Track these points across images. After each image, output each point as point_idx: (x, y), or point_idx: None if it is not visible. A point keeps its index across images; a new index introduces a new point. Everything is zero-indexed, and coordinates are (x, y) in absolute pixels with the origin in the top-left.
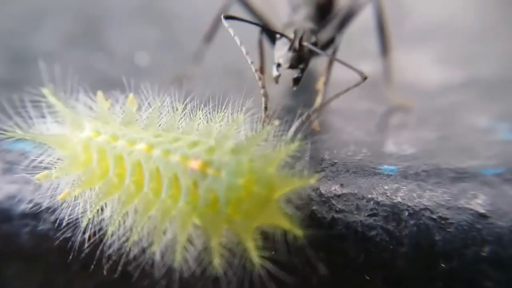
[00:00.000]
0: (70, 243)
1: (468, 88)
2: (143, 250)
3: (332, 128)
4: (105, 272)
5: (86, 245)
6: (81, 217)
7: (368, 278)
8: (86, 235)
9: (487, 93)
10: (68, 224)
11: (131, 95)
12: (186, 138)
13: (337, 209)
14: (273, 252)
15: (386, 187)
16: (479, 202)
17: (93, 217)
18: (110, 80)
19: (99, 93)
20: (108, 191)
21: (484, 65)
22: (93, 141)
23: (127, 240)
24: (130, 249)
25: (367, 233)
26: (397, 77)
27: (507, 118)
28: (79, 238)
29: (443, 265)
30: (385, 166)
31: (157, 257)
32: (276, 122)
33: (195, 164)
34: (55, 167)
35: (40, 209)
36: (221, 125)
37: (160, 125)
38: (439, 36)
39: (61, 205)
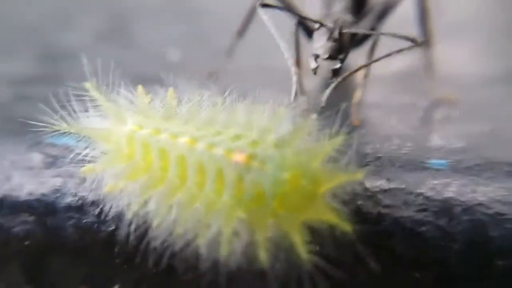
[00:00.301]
0: (114, 236)
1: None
2: (188, 244)
3: (372, 122)
4: (149, 265)
5: (131, 238)
6: (127, 210)
7: (418, 276)
8: (131, 228)
9: None
10: (113, 217)
11: (170, 90)
12: (228, 131)
13: (384, 204)
14: (320, 247)
15: (435, 182)
16: None
17: (138, 210)
18: (143, 77)
19: (140, 88)
20: (152, 184)
21: None
22: (137, 134)
23: (171, 233)
24: (174, 242)
25: (417, 229)
26: (438, 70)
27: None
28: (123, 231)
29: (499, 262)
30: (434, 160)
31: (203, 250)
32: (315, 116)
33: (239, 157)
34: (99, 160)
35: (85, 202)
36: (262, 119)
37: (201, 118)
38: (475, 30)
39: (106, 198)
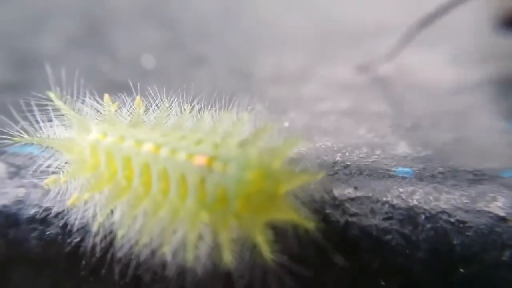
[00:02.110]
0: (79, 248)
1: (481, 89)
2: (154, 252)
3: (343, 130)
4: (116, 277)
5: (97, 249)
6: (92, 221)
7: (383, 283)
8: (97, 240)
9: (501, 94)
10: (77, 229)
11: (138, 97)
12: (192, 136)
13: (351, 212)
14: (284, 246)
15: (401, 190)
16: (498, 205)
17: (103, 221)
18: (116, 83)
19: (106, 96)
20: (118, 194)
21: (495, 65)
22: (100, 143)
23: (137, 242)
24: (140, 251)
25: (383, 237)
26: (410, 78)
27: None
28: (88, 243)
29: (461, 270)
30: (400, 168)
31: (169, 257)
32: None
33: (201, 160)
34: (63, 171)
35: (49, 214)
36: (226, 124)
37: (167, 125)
38: (449, 37)
39: (70, 210)
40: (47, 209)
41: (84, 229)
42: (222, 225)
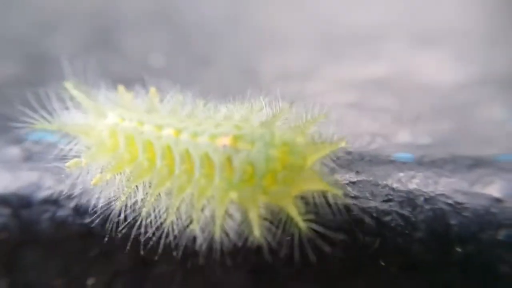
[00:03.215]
0: (90, 229)
1: (483, 84)
2: (183, 230)
3: (347, 121)
4: (126, 258)
5: (109, 230)
6: (115, 201)
7: (383, 263)
8: (110, 221)
9: (501, 88)
10: (89, 210)
11: (152, 88)
12: (209, 121)
13: (352, 195)
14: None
15: (401, 174)
16: (495, 188)
17: (126, 200)
18: (128, 82)
19: (120, 87)
20: (139, 174)
21: (496, 62)
22: (119, 126)
23: (163, 221)
24: (166, 229)
25: (382, 218)
26: (415, 75)
27: None
28: (99, 224)
29: (458, 249)
30: (401, 154)
31: (198, 234)
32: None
33: (225, 140)
34: (83, 154)
35: (61, 196)
36: (240, 112)
37: (182, 114)
38: (452, 37)
39: (92, 190)
40: (59, 192)
41: (96, 211)
42: (251, 202)
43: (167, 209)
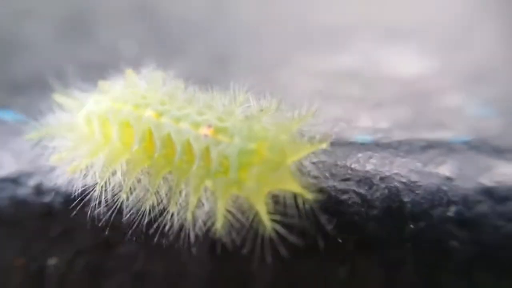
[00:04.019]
0: (51, 208)
1: (445, 75)
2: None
3: (312, 107)
4: (87, 238)
5: (69, 209)
6: (94, 186)
7: (340, 241)
8: (70, 200)
9: (463, 80)
10: (50, 189)
11: (129, 70)
12: (192, 107)
13: (312, 175)
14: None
15: (360, 155)
16: (446, 167)
17: (104, 184)
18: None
19: (100, 82)
20: (115, 158)
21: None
22: (94, 110)
23: (143, 202)
24: (146, 210)
25: (340, 197)
26: (381, 67)
27: (478, 97)
28: (60, 203)
29: (411, 226)
30: (359, 136)
31: (174, 216)
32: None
33: (207, 130)
34: (64, 148)
35: (21, 174)
36: (223, 101)
37: (162, 94)
38: (418, 32)
39: (72, 179)
40: (20, 170)
41: (57, 190)
42: (222, 193)
43: (146, 192)
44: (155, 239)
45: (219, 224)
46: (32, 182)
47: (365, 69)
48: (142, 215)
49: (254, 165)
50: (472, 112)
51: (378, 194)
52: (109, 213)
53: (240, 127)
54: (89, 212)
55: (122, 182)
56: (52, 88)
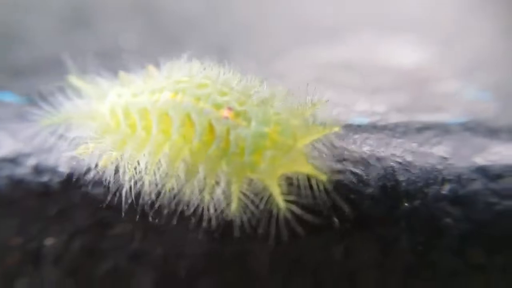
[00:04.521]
0: (48, 188)
1: (443, 64)
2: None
3: (311, 93)
4: (84, 218)
5: (66, 190)
6: (122, 177)
7: (336, 220)
8: (67, 181)
9: (460, 68)
10: (47, 169)
11: (150, 66)
12: (211, 85)
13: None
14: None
15: (356, 136)
16: (441, 148)
17: (133, 173)
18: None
19: (121, 73)
20: (139, 146)
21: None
22: (117, 103)
23: (164, 184)
24: (166, 194)
25: (336, 176)
26: (379, 58)
27: (475, 84)
28: (57, 183)
29: (406, 204)
30: (356, 118)
31: (188, 198)
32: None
33: (228, 113)
34: (90, 140)
35: (20, 154)
36: (241, 86)
37: (180, 75)
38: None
39: (104, 172)
40: (18, 150)
41: (53, 170)
42: (237, 175)
43: (165, 173)
44: (152, 220)
45: (234, 206)
46: (30, 162)
47: (363, 59)
48: (140, 195)
49: (268, 148)
50: (468, 97)
51: (374, 174)
52: (107, 193)
53: (256, 112)
54: (86, 192)
55: (146, 167)
56: (51, 75)
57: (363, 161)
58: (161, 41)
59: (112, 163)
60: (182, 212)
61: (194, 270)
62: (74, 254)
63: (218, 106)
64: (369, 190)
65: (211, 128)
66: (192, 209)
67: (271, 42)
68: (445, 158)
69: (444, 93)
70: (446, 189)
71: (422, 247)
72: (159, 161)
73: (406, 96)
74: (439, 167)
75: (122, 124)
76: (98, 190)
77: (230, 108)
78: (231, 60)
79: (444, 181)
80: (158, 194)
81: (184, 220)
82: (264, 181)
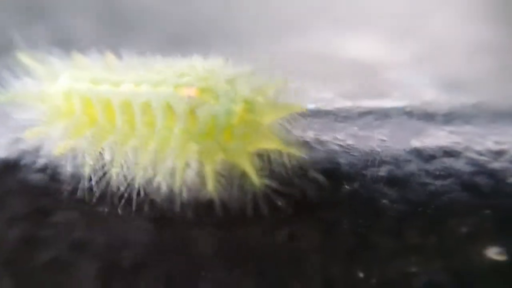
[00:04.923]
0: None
1: (393, 56)
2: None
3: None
4: (22, 205)
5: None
6: (82, 166)
7: (280, 204)
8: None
9: (409, 60)
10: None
11: (108, 52)
12: (172, 70)
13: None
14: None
15: (302, 121)
16: (381, 131)
17: (94, 163)
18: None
19: (74, 53)
20: (102, 136)
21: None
22: (74, 88)
23: (133, 176)
24: (139, 184)
25: (279, 160)
26: (334, 50)
27: (420, 73)
28: None
29: (346, 186)
30: (308, 105)
31: (163, 185)
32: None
33: (191, 91)
34: (40, 123)
35: None
36: (205, 67)
37: (141, 67)
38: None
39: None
40: None
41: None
42: (209, 156)
43: (135, 164)
44: (95, 207)
45: (210, 187)
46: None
47: (318, 50)
48: (81, 181)
49: (237, 125)
50: (410, 84)
51: (316, 157)
52: (46, 179)
53: (225, 88)
54: (25, 178)
55: (111, 160)
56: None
57: (307, 145)
58: (118, 30)
59: (67, 150)
60: (127, 199)
61: (139, 259)
62: (11, 244)
63: (178, 87)
64: (312, 174)
65: (172, 111)
66: (136, 196)
67: (232, 32)
68: (383, 140)
69: (388, 81)
70: (383, 170)
71: (362, 230)
72: (125, 152)
73: (354, 84)
74: (378, 149)
75: (78, 111)
76: (39, 176)
77: (192, 85)
78: (191, 49)
79: (381, 162)
80: (106, 181)
81: (129, 207)
82: (235, 160)
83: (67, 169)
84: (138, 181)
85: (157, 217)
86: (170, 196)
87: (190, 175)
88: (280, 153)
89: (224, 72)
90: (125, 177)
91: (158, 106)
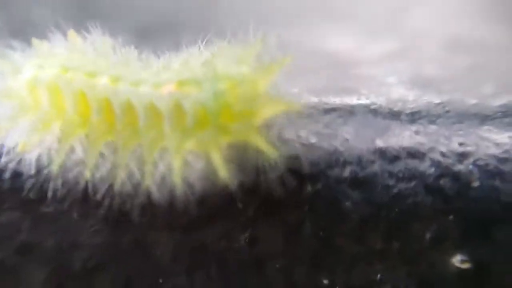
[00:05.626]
0: None
1: (368, 52)
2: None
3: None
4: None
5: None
6: (50, 163)
7: (240, 205)
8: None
9: (383, 57)
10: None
11: (71, 31)
12: (148, 70)
13: None
14: None
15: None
16: (345, 129)
17: (63, 161)
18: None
19: (34, 40)
20: (71, 132)
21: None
22: (39, 77)
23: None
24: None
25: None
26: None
27: (391, 71)
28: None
29: (309, 187)
30: None
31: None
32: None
33: (170, 87)
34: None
35: None
36: (179, 60)
37: (113, 58)
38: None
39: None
40: None
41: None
42: (212, 145)
43: (115, 166)
44: (42, 207)
45: (223, 174)
46: None
47: (290, 44)
48: (26, 180)
49: (232, 104)
50: (379, 81)
51: (280, 157)
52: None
53: (203, 72)
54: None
55: (85, 159)
56: None
57: (270, 144)
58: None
59: (33, 147)
60: (79, 198)
61: (91, 262)
62: None
63: (157, 85)
64: (274, 174)
65: (156, 110)
66: (93, 194)
67: (204, 25)
68: (347, 139)
69: (358, 77)
70: (347, 171)
71: (325, 233)
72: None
73: (323, 79)
74: (341, 149)
75: (44, 102)
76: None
77: (170, 81)
78: (161, 40)
79: (345, 163)
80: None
81: (80, 207)
82: (244, 139)
83: (31, 166)
84: (118, 185)
85: (112, 216)
86: (127, 196)
87: (195, 170)
88: (252, 150)
89: (199, 57)
90: (99, 179)
91: (139, 106)
